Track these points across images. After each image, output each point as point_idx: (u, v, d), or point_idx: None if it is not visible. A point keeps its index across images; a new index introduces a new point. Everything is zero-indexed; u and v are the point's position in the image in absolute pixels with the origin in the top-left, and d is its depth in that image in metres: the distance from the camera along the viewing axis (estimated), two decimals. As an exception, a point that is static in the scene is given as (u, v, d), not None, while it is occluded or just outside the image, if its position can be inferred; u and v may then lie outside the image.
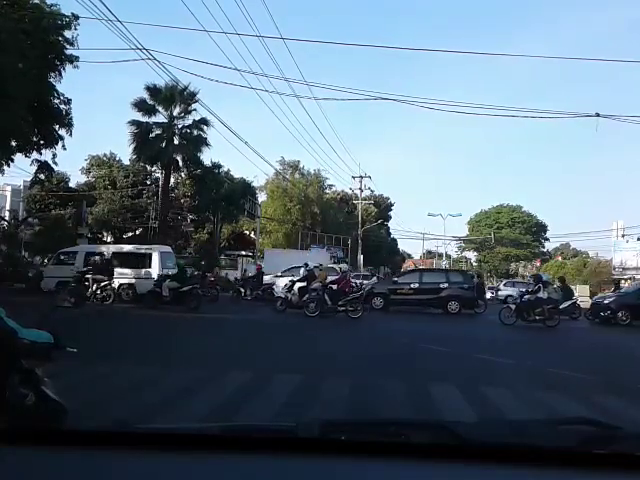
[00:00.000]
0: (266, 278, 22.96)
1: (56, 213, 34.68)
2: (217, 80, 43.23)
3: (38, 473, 1.24)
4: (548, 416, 5.01)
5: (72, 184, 38.38)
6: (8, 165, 19.01)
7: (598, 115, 17.57)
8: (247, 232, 45.87)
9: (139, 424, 1.66)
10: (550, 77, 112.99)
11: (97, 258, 17.29)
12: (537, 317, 15.24)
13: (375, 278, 26.59)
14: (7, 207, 39.89)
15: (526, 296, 15.64)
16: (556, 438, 1.48)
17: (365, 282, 20.13)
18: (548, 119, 55.36)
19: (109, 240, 41.56)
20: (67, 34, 17.93)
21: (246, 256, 39.75)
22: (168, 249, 19.94)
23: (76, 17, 17.68)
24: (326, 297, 15.36)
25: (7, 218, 33.71)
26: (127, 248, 20.23)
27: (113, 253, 18.53)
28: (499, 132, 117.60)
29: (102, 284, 16.44)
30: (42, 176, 22.20)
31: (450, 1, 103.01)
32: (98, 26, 37.59)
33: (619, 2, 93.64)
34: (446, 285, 19.88)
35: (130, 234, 40.92)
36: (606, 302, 18.90)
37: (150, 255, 18.17)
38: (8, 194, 42.44)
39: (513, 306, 15.87)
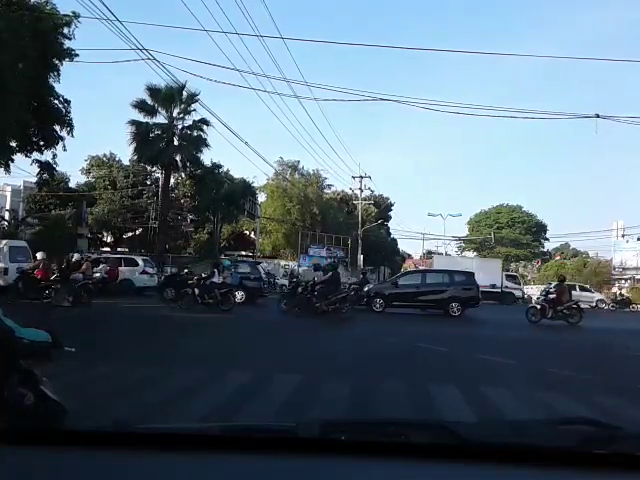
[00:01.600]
0: None
1: (56, 213, 34.65)
2: (217, 80, 43.22)
3: (38, 473, 1.23)
4: (548, 416, 5.00)
5: (72, 184, 38.37)
6: (8, 165, 19.01)
7: (598, 116, 17.58)
8: (247, 232, 45.91)
9: (139, 424, 1.66)
10: (550, 77, 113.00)
11: None
12: (211, 300, 16.17)
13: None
14: (7, 207, 39.84)
15: (207, 282, 16.42)
16: (556, 438, 1.47)
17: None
18: (548, 119, 55.32)
19: (109, 240, 41.59)
20: (65, 30, 17.86)
21: (246, 256, 39.75)
22: (22, 243, 19.91)
23: (77, 16, 17.64)
24: (20, 285, 15.64)
25: (7, 218, 33.68)
26: None
27: None
28: (499, 132, 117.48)
29: None
30: (46, 176, 22.20)
31: (451, 1, 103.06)
32: (98, 26, 37.61)
33: (619, 2, 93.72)
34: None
35: (130, 234, 40.94)
36: (365, 289, 20.24)
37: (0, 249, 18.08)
38: (8, 194, 42.35)
39: (190, 290, 16.45)
